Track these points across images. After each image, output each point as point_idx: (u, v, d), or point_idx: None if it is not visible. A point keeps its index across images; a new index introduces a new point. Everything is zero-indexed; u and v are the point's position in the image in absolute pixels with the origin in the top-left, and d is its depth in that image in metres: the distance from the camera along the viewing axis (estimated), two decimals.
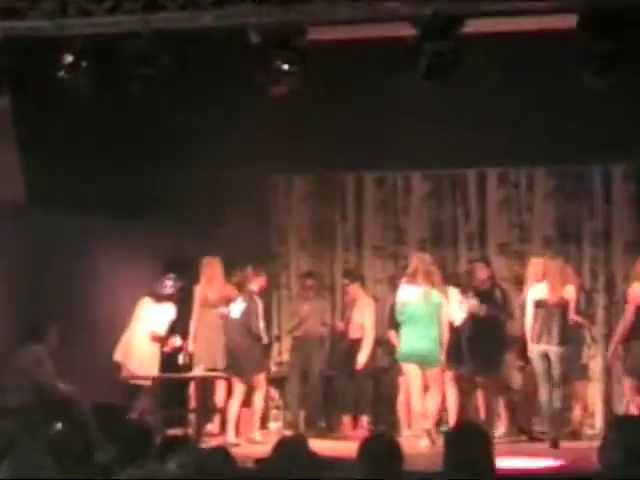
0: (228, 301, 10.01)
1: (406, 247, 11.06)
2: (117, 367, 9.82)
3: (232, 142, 9.23)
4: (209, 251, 10.12)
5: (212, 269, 10.05)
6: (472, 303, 9.68)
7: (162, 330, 9.97)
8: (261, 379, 9.86)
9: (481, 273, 9.97)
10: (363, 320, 10.20)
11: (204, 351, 9.91)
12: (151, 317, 9.96)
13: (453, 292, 9.62)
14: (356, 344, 10.19)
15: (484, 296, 9.76)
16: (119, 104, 7.90)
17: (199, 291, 10.09)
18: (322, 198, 11.46)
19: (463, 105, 8.92)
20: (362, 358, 10.11)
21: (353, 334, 10.27)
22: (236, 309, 9.85)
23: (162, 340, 9.96)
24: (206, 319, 10.01)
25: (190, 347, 9.99)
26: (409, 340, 9.15)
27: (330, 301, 11.21)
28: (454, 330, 9.51)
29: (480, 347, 9.64)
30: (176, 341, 10.01)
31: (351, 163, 10.54)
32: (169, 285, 10.03)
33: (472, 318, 9.70)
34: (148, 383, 9.73)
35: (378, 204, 11.32)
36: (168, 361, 10.03)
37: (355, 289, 10.38)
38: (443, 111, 8.88)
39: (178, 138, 9.54)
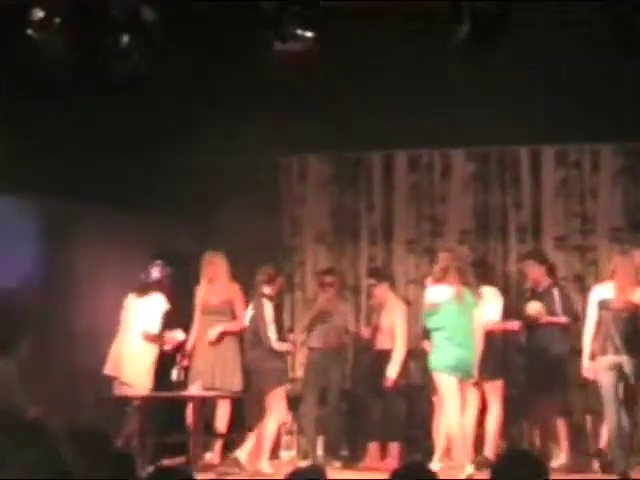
0: (232, 306, 9.98)
1: (444, 241, 11.04)
2: (107, 383, 9.79)
3: (237, 119, 9.20)
4: (210, 246, 10.11)
5: (214, 267, 10.03)
6: (532, 306, 9.67)
7: (155, 327, 9.88)
8: (275, 398, 9.65)
9: (533, 271, 10.00)
10: (393, 327, 10.16)
11: (201, 367, 9.87)
12: (139, 313, 9.89)
13: (487, 291, 9.57)
14: (384, 356, 10.15)
15: (540, 298, 9.78)
16: (102, 72, 7.82)
17: (199, 294, 10.09)
18: (343, 182, 11.46)
19: (514, 70, 8.84)
20: (392, 373, 10.06)
21: (381, 344, 10.26)
22: (247, 317, 9.79)
23: (158, 338, 9.88)
24: (206, 329, 9.96)
25: (186, 361, 9.96)
26: (445, 348, 9.00)
27: (353, 304, 11.22)
28: (493, 337, 9.51)
29: (535, 360, 9.73)
30: (177, 336, 9.93)
31: (378, 140, 10.51)
32: (155, 271, 9.96)
33: (526, 324, 9.76)
34: (138, 402, 9.71)
35: (411, 189, 11.31)
36: (162, 376, 9.94)
37: (383, 290, 10.34)
38: (489, 77, 8.83)
39: (177, 119, 9.46)
